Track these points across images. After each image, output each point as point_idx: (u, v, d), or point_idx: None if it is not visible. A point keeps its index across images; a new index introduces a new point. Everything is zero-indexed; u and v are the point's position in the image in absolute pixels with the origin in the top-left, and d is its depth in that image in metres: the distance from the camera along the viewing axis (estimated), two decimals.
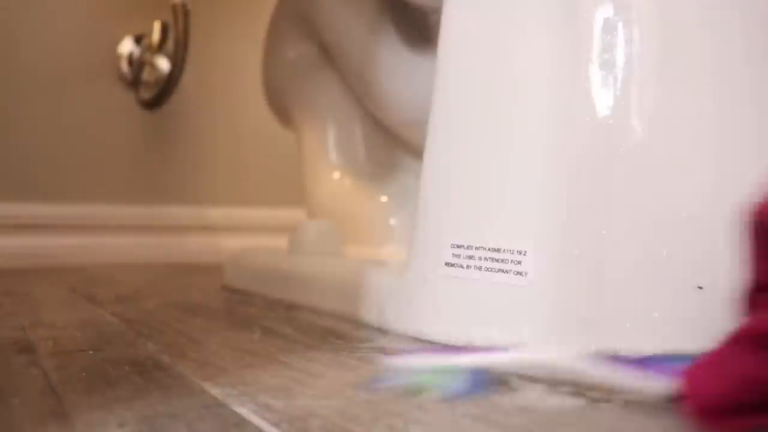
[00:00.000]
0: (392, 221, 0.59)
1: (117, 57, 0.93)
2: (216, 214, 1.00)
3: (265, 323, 0.40)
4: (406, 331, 0.33)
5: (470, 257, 0.30)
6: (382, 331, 0.35)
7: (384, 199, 0.61)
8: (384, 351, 0.32)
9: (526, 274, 0.28)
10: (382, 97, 0.57)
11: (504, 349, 0.28)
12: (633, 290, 0.26)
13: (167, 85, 0.90)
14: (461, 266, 0.30)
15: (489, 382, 0.25)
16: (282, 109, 0.70)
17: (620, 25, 0.28)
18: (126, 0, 0.95)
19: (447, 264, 0.31)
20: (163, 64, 0.92)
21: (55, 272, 0.72)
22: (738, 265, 0.27)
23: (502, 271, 0.29)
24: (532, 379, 0.26)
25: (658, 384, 0.23)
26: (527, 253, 0.28)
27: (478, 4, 0.32)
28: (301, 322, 0.41)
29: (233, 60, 1.00)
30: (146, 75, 0.93)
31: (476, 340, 0.29)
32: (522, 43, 0.30)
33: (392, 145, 0.62)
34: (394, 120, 0.59)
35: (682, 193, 0.27)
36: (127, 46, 0.93)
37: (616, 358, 0.26)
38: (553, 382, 0.26)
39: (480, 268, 0.30)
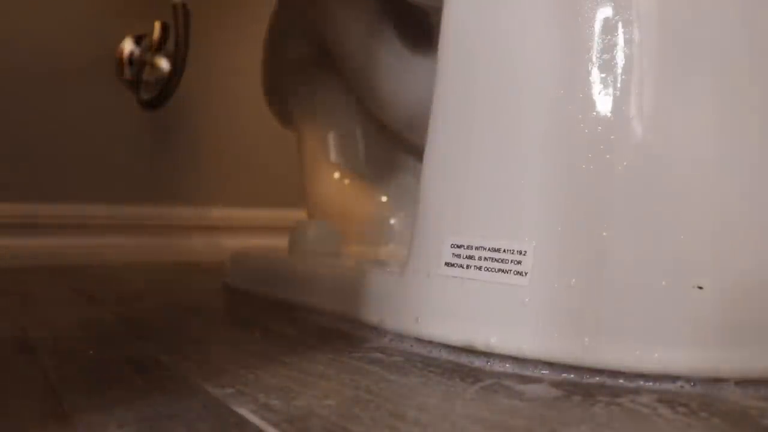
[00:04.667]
0: (392, 221, 0.59)
1: (117, 57, 0.93)
2: (216, 214, 1.00)
3: (265, 323, 0.40)
4: (405, 332, 0.33)
5: (470, 257, 0.30)
6: (382, 331, 0.35)
7: (384, 199, 0.61)
8: (384, 351, 0.32)
9: (526, 274, 0.28)
10: (383, 98, 0.57)
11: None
12: (634, 291, 0.26)
13: (167, 85, 0.90)
14: (461, 266, 0.30)
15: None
16: (282, 110, 0.70)
17: (620, 25, 0.28)
18: (126, 0, 0.95)
19: (447, 264, 0.31)
20: (164, 64, 0.92)
21: (55, 272, 0.72)
22: (740, 264, 0.27)
23: (502, 271, 0.29)
24: (533, 379, 0.26)
25: None
26: (527, 253, 0.28)
27: (478, 4, 0.32)
28: (301, 322, 0.41)
29: (233, 60, 1.00)
30: (146, 75, 0.93)
31: (475, 340, 0.29)
32: (521, 45, 0.30)
33: (392, 145, 0.62)
34: (394, 120, 0.59)
35: (682, 193, 0.27)
36: (127, 46, 0.93)
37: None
38: (555, 382, 0.26)
39: (480, 268, 0.30)
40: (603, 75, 0.28)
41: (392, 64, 0.55)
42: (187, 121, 0.99)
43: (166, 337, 0.35)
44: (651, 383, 0.25)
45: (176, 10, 0.87)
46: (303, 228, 0.54)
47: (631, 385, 0.25)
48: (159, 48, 0.92)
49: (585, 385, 0.26)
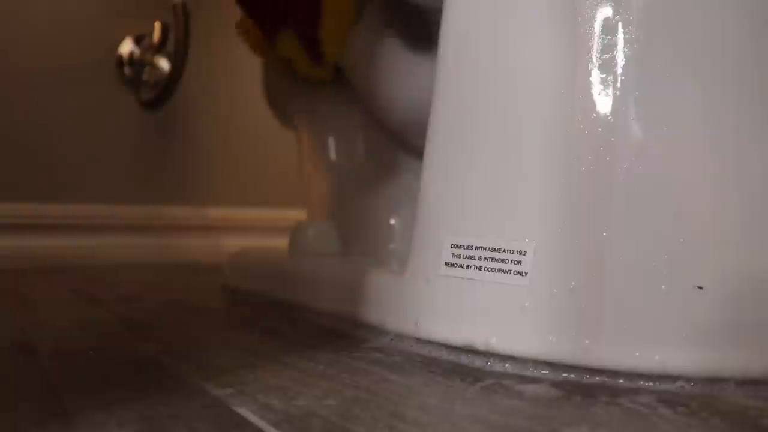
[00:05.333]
0: (392, 221, 0.59)
1: (117, 57, 0.93)
2: (216, 214, 1.00)
3: (265, 323, 0.40)
4: (406, 332, 0.33)
5: (470, 257, 0.30)
6: (382, 331, 0.35)
7: (384, 199, 0.61)
8: (384, 351, 0.32)
9: (526, 274, 0.28)
10: (383, 98, 0.57)
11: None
12: (634, 291, 0.26)
13: (167, 86, 0.90)
14: (461, 266, 0.30)
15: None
16: (282, 109, 0.70)
17: (620, 25, 0.28)
18: (126, 0, 0.95)
19: (447, 264, 0.31)
20: (163, 64, 0.92)
21: (55, 272, 0.72)
22: (740, 264, 0.27)
23: (502, 271, 0.29)
24: (533, 379, 0.26)
25: None
26: (527, 254, 0.28)
27: (478, 4, 0.32)
28: (301, 322, 0.41)
29: (233, 60, 1.00)
30: (146, 75, 0.93)
31: (475, 340, 0.29)
32: (522, 44, 0.30)
33: (392, 145, 0.62)
34: (394, 120, 0.59)
35: (682, 193, 0.27)
36: (127, 46, 0.93)
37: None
38: (555, 382, 0.26)
39: (480, 268, 0.30)
40: (603, 75, 0.28)
41: (393, 64, 0.55)
42: (187, 121, 0.99)
43: (166, 337, 0.35)
44: (651, 383, 0.25)
45: (176, 10, 0.87)
46: (303, 228, 0.54)
47: (631, 385, 0.25)
48: (159, 48, 0.92)
49: (585, 385, 0.26)
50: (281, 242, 0.59)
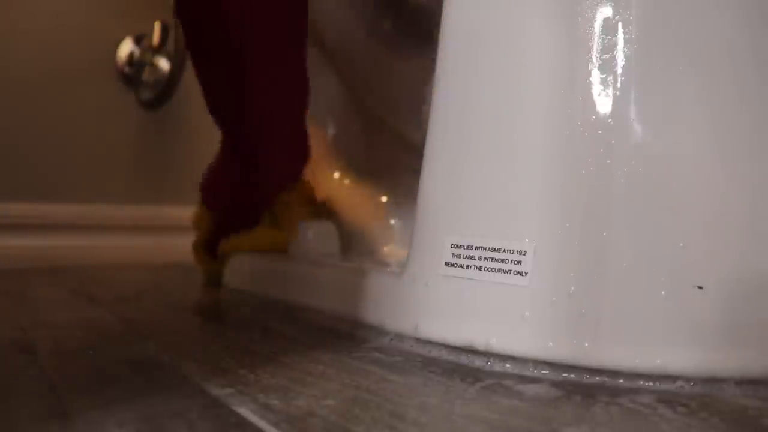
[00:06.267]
0: (392, 221, 0.59)
1: (117, 57, 0.93)
2: None
3: (265, 323, 0.40)
4: (405, 332, 0.33)
5: (470, 257, 0.30)
6: (382, 331, 0.35)
7: (384, 199, 0.61)
8: (383, 351, 0.32)
9: (526, 274, 0.28)
10: (383, 98, 0.57)
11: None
12: (634, 291, 0.26)
13: (167, 85, 0.90)
14: (461, 266, 0.30)
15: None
16: None
17: (620, 25, 0.28)
18: (126, 0, 0.95)
19: (447, 264, 0.31)
20: (163, 64, 0.92)
21: (55, 272, 0.72)
22: (740, 264, 0.27)
23: (502, 271, 0.29)
24: (533, 379, 0.26)
25: None
26: (527, 254, 0.28)
27: (478, 5, 0.32)
28: (301, 322, 0.41)
29: None
30: (146, 75, 0.93)
31: (475, 340, 0.29)
32: (521, 44, 0.30)
33: (392, 145, 0.62)
34: (394, 120, 0.59)
35: (682, 195, 0.27)
36: (127, 46, 0.93)
37: None
38: (555, 382, 0.26)
39: (480, 268, 0.30)
40: (603, 76, 0.28)
41: (392, 64, 0.55)
42: (186, 120, 0.99)
43: (166, 337, 0.35)
44: (651, 383, 0.25)
45: None
46: (303, 228, 0.54)
47: (631, 385, 0.25)
48: (159, 48, 0.92)
49: (585, 385, 0.26)
50: None
